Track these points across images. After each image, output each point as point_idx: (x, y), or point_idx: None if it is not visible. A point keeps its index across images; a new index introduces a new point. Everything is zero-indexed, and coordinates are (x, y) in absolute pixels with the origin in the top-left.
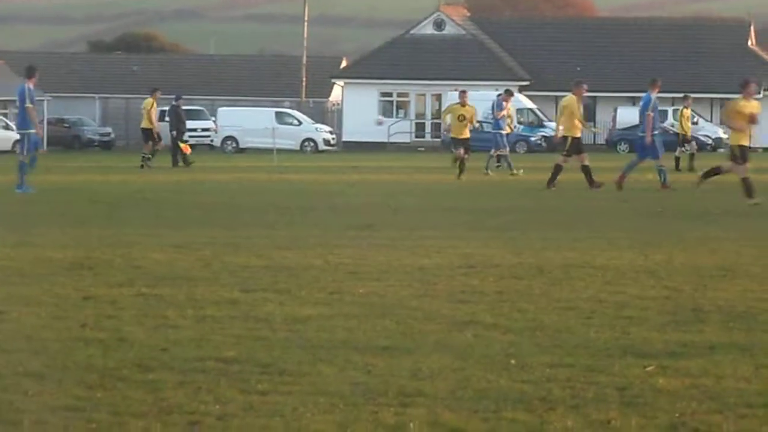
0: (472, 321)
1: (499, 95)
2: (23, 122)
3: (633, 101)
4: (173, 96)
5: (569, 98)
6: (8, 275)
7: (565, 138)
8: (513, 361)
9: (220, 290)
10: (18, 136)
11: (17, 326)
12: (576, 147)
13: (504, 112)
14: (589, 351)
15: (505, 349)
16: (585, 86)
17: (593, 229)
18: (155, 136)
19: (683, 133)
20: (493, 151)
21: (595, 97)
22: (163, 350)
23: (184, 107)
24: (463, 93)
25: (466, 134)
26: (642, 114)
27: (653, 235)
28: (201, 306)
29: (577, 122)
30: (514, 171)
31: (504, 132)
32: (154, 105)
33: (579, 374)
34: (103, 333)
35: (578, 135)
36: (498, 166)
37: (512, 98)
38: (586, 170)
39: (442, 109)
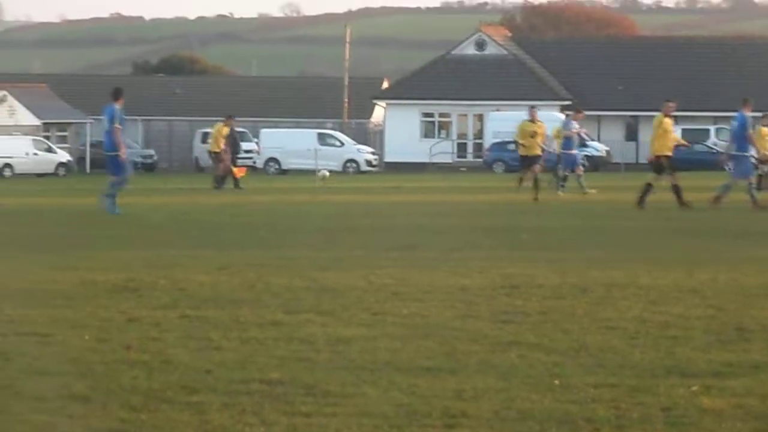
0: (516, 341)
1: (567, 115)
2: (112, 144)
3: (675, 120)
4: (241, 119)
5: (659, 117)
6: (52, 298)
7: (660, 158)
8: (557, 382)
9: (264, 312)
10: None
11: (62, 349)
12: (663, 166)
13: (574, 131)
14: (633, 371)
15: (549, 369)
16: (672, 104)
17: (637, 249)
18: (222, 159)
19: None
20: (561, 171)
21: (636, 116)
22: (208, 372)
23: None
24: (532, 109)
25: (538, 151)
26: (738, 133)
27: (697, 254)
28: (245, 327)
29: (671, 140)
30: (586, 190)
31: (573, 152)
32: (225, 130)
33: (623, 394)
34: (148, 355)
35: (670, 154)
36: (562, 186)
37: (582, 116)
38: (676, 189)
39: (484, 129)
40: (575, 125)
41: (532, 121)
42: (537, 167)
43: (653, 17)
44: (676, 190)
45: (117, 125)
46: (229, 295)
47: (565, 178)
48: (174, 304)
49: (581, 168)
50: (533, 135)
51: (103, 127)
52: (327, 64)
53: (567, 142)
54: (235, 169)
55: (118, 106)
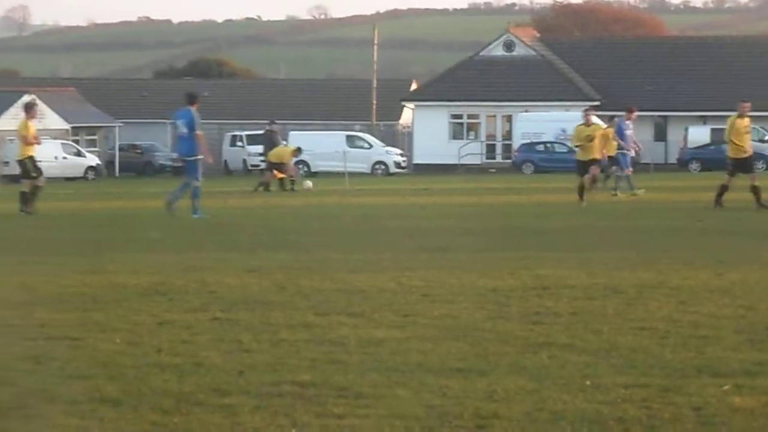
0: (547, 342)
1: (620, 117)
2: (191, 148)
3: (704, 120)
4: (267, 121)
5: (733, 117)
6: (83, 301)
7: (739, 158)
8: (588, 382)
9: (295, 314)
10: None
11: (93, 352)
12: (744, 165)
13: (630, 132)
14: (664, 371)
15: (580, 370)
16: (746, 104)
17: (667, 249)
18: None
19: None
20: (617, 170)
21: (665, 116)
22: (239, 374)
23: (254, 132)
24: (586, 112)
25: (595, 155)
26: None
27: (727, 254)
28: (276, 330)
29: (747, 141)
30: (635, 191)
31: (628, 153)
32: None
33: (655, 394)
34: (179, 358)
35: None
36: (614, 190)
37: (634, 116)
38: (755, 190)
39: (513, 130)
40: (629, 125)
41: (587, 124)
42: (595, 169)
43: (681, 17)
44: (755, 190)
45: (199, 131)
46: (260, 298)
47: (616, 179)
48: (205, 306)
49: (630, 169)
50: (590, 139)
51: (179, 131)
52: (355, 66)
53: (627, 143)
54: (275, 172)
55: (194, 110)
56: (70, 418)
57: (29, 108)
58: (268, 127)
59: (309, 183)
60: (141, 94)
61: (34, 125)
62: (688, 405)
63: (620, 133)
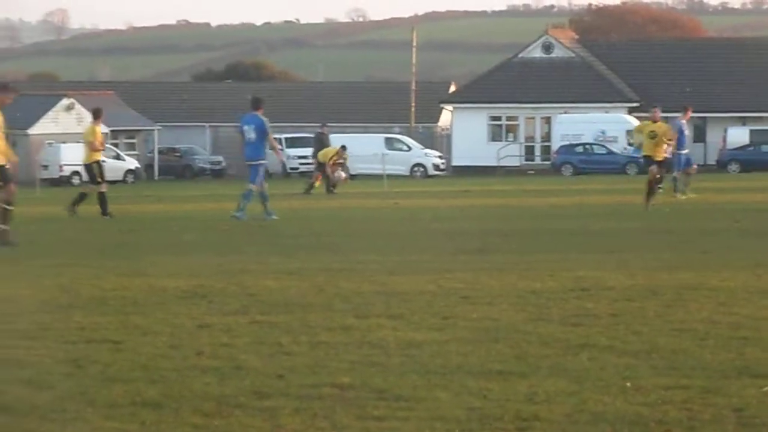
0: (587, 344)
1: (676, 118)
2: (257, 152)
3: (743, 121)
4: (318, 123)
5: None
6: (123, 305)
7: None
8: (629, 384)
9: (334, 316)
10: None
11: (133, 355)
12: None
13: (687, 132)
14: (704, 372)
15: (621, 371)
16: None
17: (706, 250)
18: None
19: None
20: (676, 172)
21: (705, 117)
22: (279, 377)
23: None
24: (654, 109)
25: (659, 152)
26: None
27: (766, 256)
28: (315, 332)
29: None
30: (681, 194)
31: (683, 152)
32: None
33: (695, 396)
34: (219, 361)
35: None
36: (660, 188)
37: (689, 116)
38: None
39: (552, 131)
40: (683, 124)
41: (654, 121)
42: (654, 168)
43: (720, 18)
44: None
45: (271, 135)
46: (299, 300)
47: (674, 179)
48: (244, 309)
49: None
50: (652, 135)
51: (246, 136)
52: (394, 68)
53: (678, 143)
54: (315, 174)
55: (261, 114)
56: (111, 422)
57: (97, 113)
58: (319, 129)
59: (341, 173)
60: (180, 98)
61: (100, 130)
62: (728, 406)
63: (680, 133)
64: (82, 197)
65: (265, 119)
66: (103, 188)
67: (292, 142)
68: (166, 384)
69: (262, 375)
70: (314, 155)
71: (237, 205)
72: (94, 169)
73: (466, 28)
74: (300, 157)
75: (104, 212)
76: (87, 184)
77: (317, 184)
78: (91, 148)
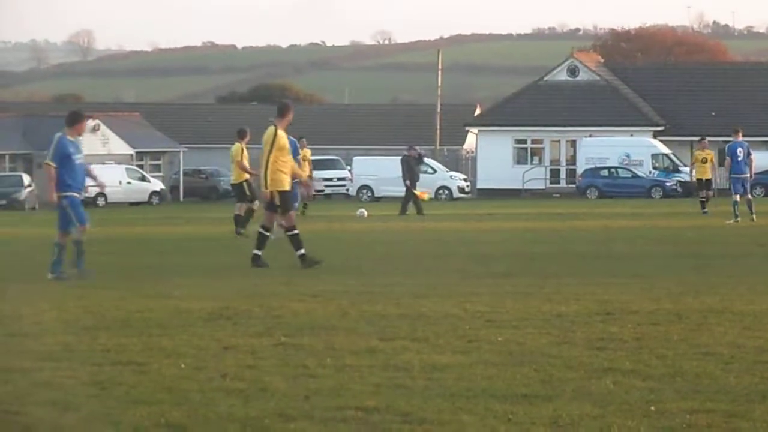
0: (611, 368)
1: (729, 141)
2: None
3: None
4: (405, 147)
5: None
6: (148, 327)
7: None
8: (653, 408)
9: (359, 339)
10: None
11: (158, 377)
12: None
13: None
14: (729, 396)
15: (645, 395)
16: None
17: (730, 274)
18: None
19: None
20: (736, 196)
21: (730, 141)
22: (304, 399)
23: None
24: (702, 140)
25: (707, 175)
26: None
27: None
28: (340, 355)
29: None
30: (733, 219)
31: (741, 176)
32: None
33: (719, 420)
34: (244, 383)
35: None
36: (705, 212)
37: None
38: None
39: (577, 154)
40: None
41: (702, 149)
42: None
43: (745, 42)
44: None
45: (300, 156)
46: (324, 323)
47: (734, 204)
48: (269, 331)
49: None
50: (704, 161)
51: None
52: (419, 91)
53: (734, 167)
54: (418, 192)
55: (295, 139)
56: None
57: (242, 133)
58: (406, 152)
59: (363, 211)
60: (206, 119)
61: (246, 150)
62: (752, 430)
63: (733, 156)
64: (238, 218)
65: (295, 141)
66: (254, 206)
67: (318, 165)
68: (190, 406)
69: (286, 397)
70: (404, 178)
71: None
72: (242, 188)
73: (492, 51)
74: (325, 179)
75: (239, 230)
76: (241, 204)
77: (426, 197)
78: (240, 167)
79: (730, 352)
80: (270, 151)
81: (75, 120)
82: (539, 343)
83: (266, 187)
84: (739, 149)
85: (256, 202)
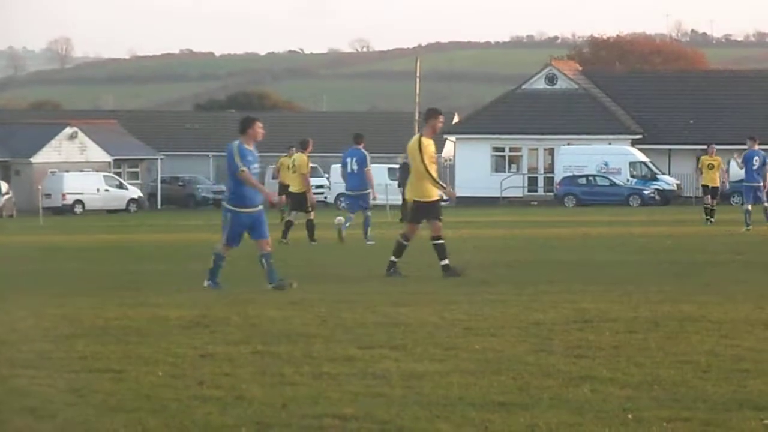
0: (589, 376)
1: (744, 149)
2: (363, 183)
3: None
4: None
5: None
6: (126, 334)
7: None
8: (630, 416)
9: (337, 347)
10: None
11: (135, 385)
12: None
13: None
14: (706, 405)
15: (622, 403)
16: None
17: (708, 283)
18: None
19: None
20: (747, 205)
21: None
22: (281, 408)
23: None
24: (710, 146)
25: (717, 181)
26: None
27: None
28: (318, 363)
29: None
30: (744, 229)
31: (754, 184)
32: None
33: (697, 428)
34: (221, 391)
35: None
36: (711, 220)
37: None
38: None
39: (555, 162)
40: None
41: (710, 154)
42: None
43: (722, 50)
44: None
45: (368, 168)
46: (302, 331)
47: (746, 213)
48: (246, 339)
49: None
50: (711, 167)
51: (349, 168)
52: (397, 98)
53: (747, 175)
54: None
55: (362, 148)
56: None
57: (304, 144)
58: (404, 159)
59: (341, 219)
60: (184, 127)
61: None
62: None
63: (748, 164)
64: (311, 224)
65: (366, 153)
66: (311, 216)
67: None
68: (167, 414)
69: (264, 405)
70: (401, 185)
71: (365, 235)
72: (304, 198)
73: (470, 58)
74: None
75: (311, 238)
76: (294, 213)
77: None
78: (305, 180)
79: (707, 361)
80: (421, 160)
81: (246, 125)
82: (517, 351)
83: (416, 197)
84: (756, 158)
85: (313, 213)
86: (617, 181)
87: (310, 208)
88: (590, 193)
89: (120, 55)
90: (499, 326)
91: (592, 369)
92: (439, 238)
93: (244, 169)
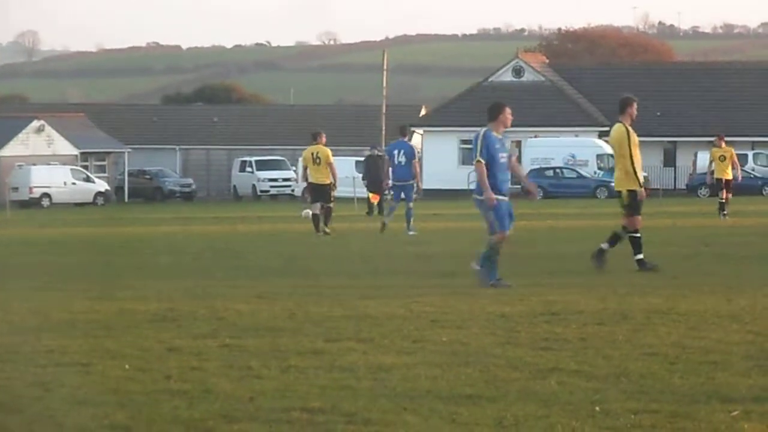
0: (556, 368)
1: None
2: (409, 174)
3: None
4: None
5: None
6: (92, 328)
7: None
8: (598, 408)
9: (304, 340)
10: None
11: (102, 379)
12: None
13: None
14: (674, 397)
15: (590, 396)
16: None
17: (676, 275)
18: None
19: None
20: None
21: (675, 141)
22: (249, 401)
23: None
24: (719, 137)
25: (727, 175)
26: None
27: (736, 280)
28: (285, 356)
29: None
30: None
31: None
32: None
33: (664, 420)
34: (188, 384)
35: None
36: (725, 214)
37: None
38: None
39: (522, 155)
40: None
41: (718, 146)
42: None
43: (690, 43)
44: None
45: (416, 160)
46: (269, 324)
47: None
48: (214, 333)
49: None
50: (722, 159)
51: (396, 160)
52: (365, 91)
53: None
54: (370, 195)
55: (407, 140)
56: None
57: (318, 134)
58: (369, 152)
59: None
60: (151, 120)
61: None
62: (697, 431)
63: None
64: (327, 216)
65: (412, 145)
66: (331, 207)
67: (262, 165)
68: (134, 407)
69: (231, 399)
70: (365, 178)
71: (407, 225)
72: (328, 189)
73: (437, 51)
74: (270, 180)
75: (325, 228)
76: (317, 204)
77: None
78: (331, 169)
79: (675, 353)
80: (629, 149)
81: (497, 112)
82: (484, 344)
83: (639, 186)
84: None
85: (333, 204)
86: (584, 174)
87: (332, 201)
88: (558, 186)
89: (87, 48)
90: (466, 318)
91: (560, 361)
92: (636, 231)
93: (481, 159)
